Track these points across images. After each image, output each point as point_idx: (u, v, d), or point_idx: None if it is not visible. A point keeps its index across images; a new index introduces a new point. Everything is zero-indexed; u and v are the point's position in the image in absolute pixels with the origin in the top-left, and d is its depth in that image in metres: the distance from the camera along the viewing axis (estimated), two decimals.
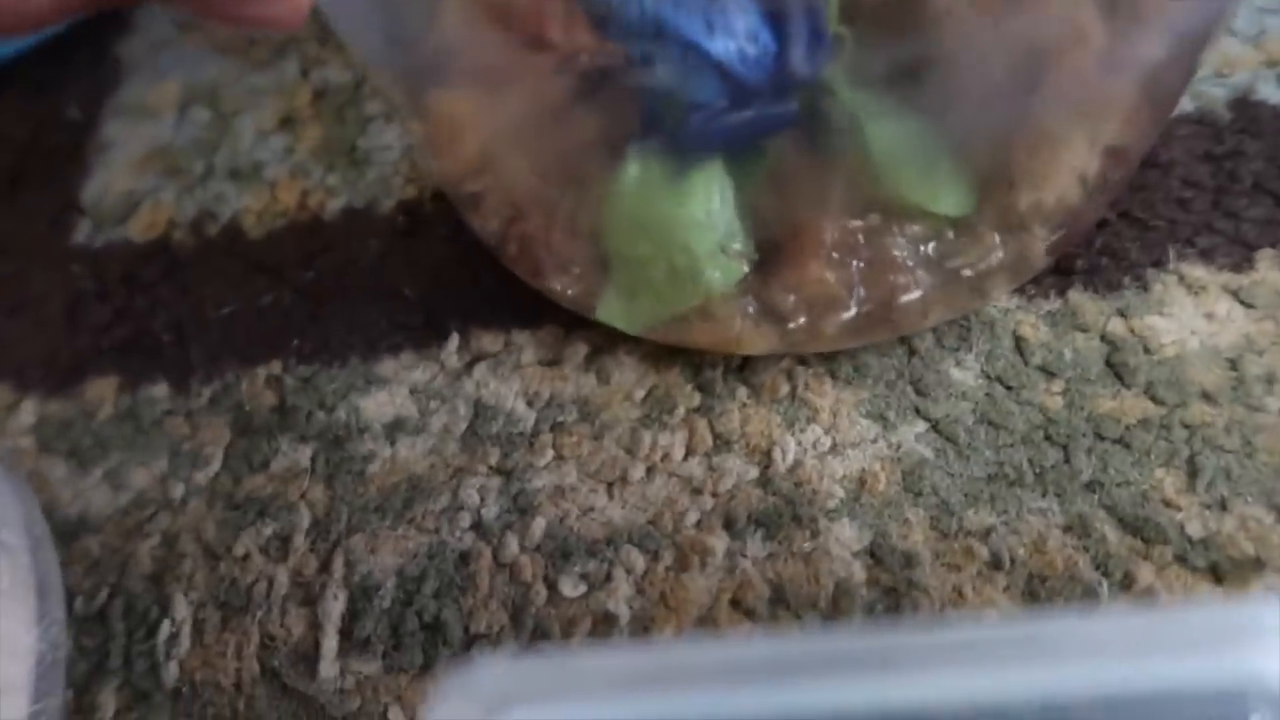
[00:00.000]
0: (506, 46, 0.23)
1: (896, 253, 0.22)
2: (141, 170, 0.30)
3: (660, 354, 0.24)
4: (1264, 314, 0.23)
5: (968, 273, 0.23)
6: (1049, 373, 0.23)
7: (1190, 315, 0.23)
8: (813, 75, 0.22)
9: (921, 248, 0.22)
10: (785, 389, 0.23)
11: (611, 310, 0.24)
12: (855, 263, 0.22)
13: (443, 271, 0.27)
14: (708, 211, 0.22)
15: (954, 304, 0.23)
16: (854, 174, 0.22)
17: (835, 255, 0.22)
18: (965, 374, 0.23)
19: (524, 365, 0.25)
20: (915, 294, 0.23)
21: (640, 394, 0.24)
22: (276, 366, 0.26)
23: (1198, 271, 0.23)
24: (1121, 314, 0.23)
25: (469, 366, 0.25)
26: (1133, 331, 0.23)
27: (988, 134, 0.22)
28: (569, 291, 0.24)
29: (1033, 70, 0.22)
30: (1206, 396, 0.22)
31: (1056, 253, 0.24)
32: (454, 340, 0.25)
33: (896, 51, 0.22)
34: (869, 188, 0.22)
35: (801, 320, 0.23)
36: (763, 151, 0.22)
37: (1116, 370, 0.22)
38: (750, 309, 0.23)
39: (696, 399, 0.24)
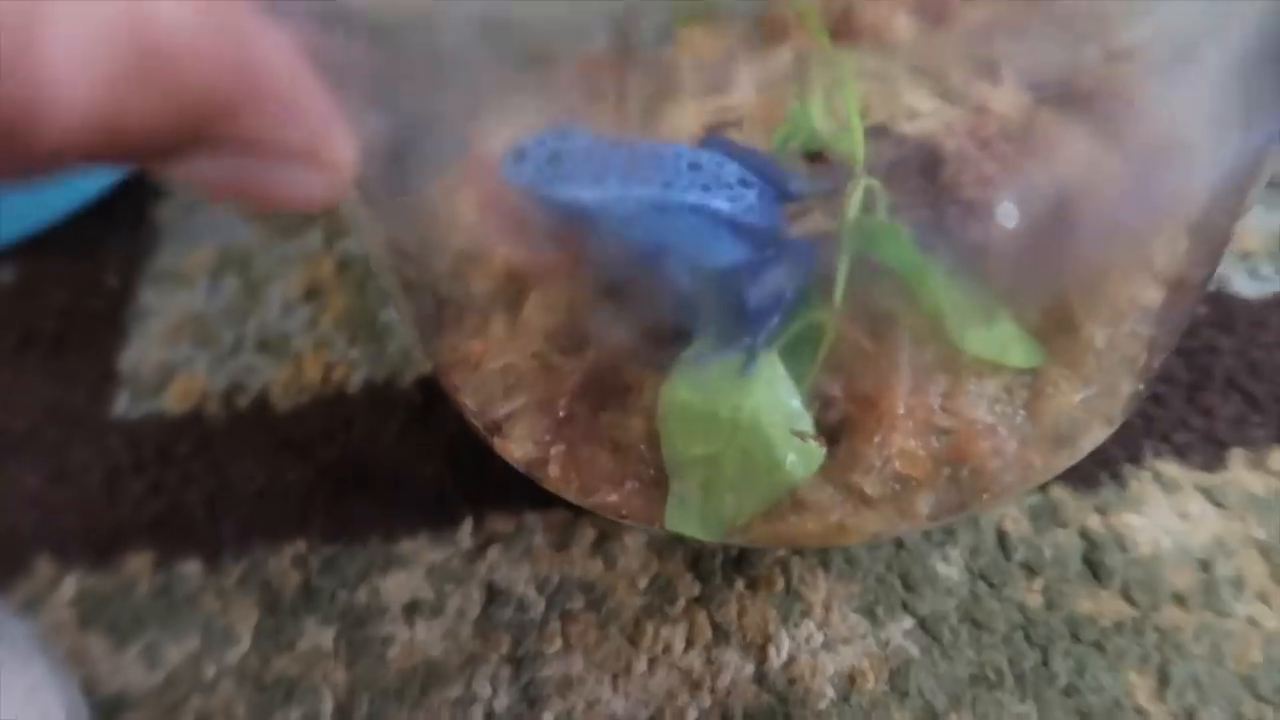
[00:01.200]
0: (518, 260, 0.25)
1: (976, 414, 0.23)
2: (176, 339, 0.32)
3: (662, 541, 0.26)
4: (1234, 514, 0.24)
5: (1053, 425, 0.23)
6: (1030, 570, 0.24)
7: (1164, 514, 0.25)
8: (804, 198, 0.24)
9: (1000, 405, 0.23)
10: (781, 582, 0.25)
11: (683, 519, 0.23)
12: (935, 433, 0.23)
13: (458, 450, 0.29)
14: (773, 396, 0.22)
15: (1046, 462, 0.23)
16: (915, 336, 0.23)
17: (913, 425, 0.23)
18: (951, 569, 0.25)
19: (534, 548, 0.27)
20: (1004, 456, 0.23)
21: (644, 581, 0.26)
22: (301, 545, 0.28)
23: (1172, 469, 0.25)
24: (1099, 511, 0.25)
25: (482, 548, 0.27)
26: (1110, 529, 0.24)
27: (1037, 279, 0.23)
28: (626, 507, 0.24)
29: (1064, 213, 0.23)
30: (1178, 599, 0.23)
31: (1142, 391, 0.24)
32: (468, 522, 0.27)
33: (923, 203, 0.24)
34: (932, 350, 0.23)
35: (893, 499, 0.23)
36: (820, 328, 0.23)
37: (1094, 569, 0.24)
38: (839, 494, 0.23)
39: (696, 589, 0.25)
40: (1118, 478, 0.25)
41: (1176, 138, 0.24)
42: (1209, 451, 0.25)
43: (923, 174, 0.25)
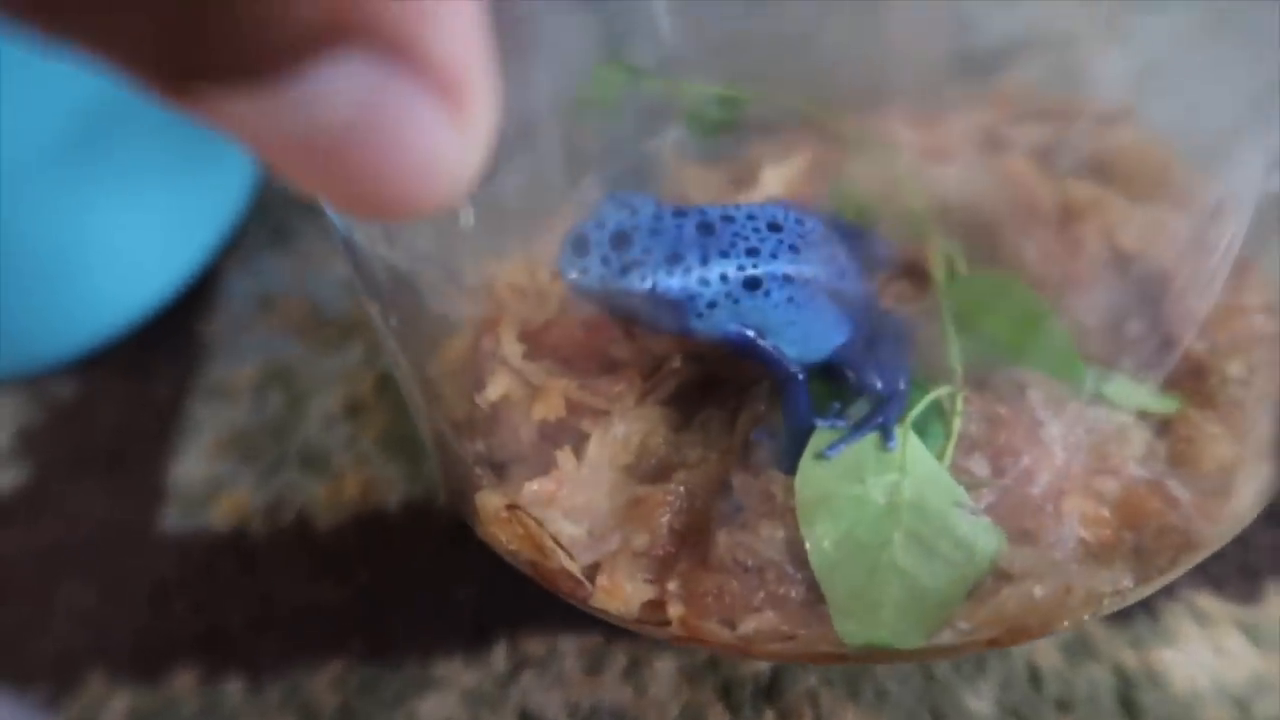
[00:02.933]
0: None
1: (1137, 471, 0.22)
2: (222, 454, 0.34)
3: (694, 669, 0.27)
4: (1272, 650, 0.24)
5: (1210, 470, 0.22)
6: (1063, 706, 0.24)
7: (1200, 649, 0.25)
8: (888, 265, 0.24)
9: (1151, 462, 0.22)
10: (810, 714, 0.25)
11: (863, 629, 0.21)
12: (1099, 498, 0.22)
13: (492, 572, 0.30)
14: (929, 470, 0.21)
15: (1218, 509, 0.22)
16: (1047, 396, 0.22)
17: (1078, 491, 0.22)
18: (981, 703, 0.25)
19: (567, 673, 0.27)
20: (1180, 509, 0.22)
21: (674, 710, 0.26)
22: (339, 666, 0.29)
23: (1207, 602, 0.25)
24: (1133, 645, 0.25)
25: (516, 672, 0.28)
26: (1144, 665, 0.25)
27: (1134, 338, 0.23)
28: (783, 635, 0.21)
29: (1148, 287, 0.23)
30: None
31: None
32: (503, 645, 0.28)
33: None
34: (1067, 411, 0.22)
35: (1090, 569, 0.21)
36: (943, 410, 0.22)
37: (1129, 707, 0.24)
38: (1041, 563, 0.21)
39: (726, 719, 0.26)
40: (1151, 611, 0.25)
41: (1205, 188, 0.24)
42: (1245, 583, 0.25)
43: (978, 244, 0.25)
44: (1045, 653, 0.25)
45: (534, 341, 0.25)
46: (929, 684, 0.25)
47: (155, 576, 0.32)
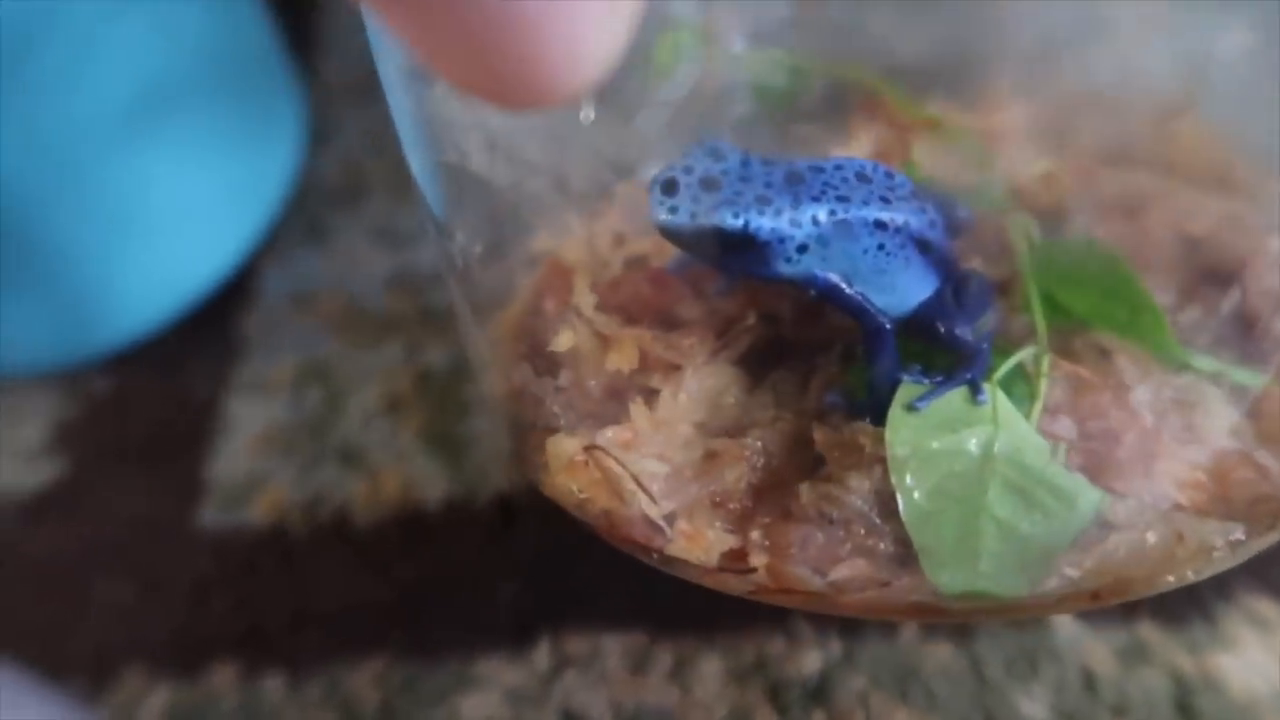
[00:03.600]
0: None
1: (1226, 441, 0.22)
2: (261, 450, 0.34)
3: (741, 670, 0.27)
4: None
5: None
6: (1118, 712, 0.24)
7: (1259, 655, 0.24)
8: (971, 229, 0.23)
9: (1242, 433, 0.22)
10: (861, 715, 0.25)
11: (964, 578, 0.20)
12: (1193, 462, 0.21)
13: (536, 569, 0.30)
14: (1021, 426, 0.21)
15: None
16: (1134, 361, 0.22)
17: (1170, 457, 0.21)
18: (1035, 706, 0.25)
19: (610, 673, 0.27)
20: (1272, 479, 0.21)
21: (721, 710, 0.26)
22: (380, 664, 0.29)
23: (1266, 607, 0.25)
24: (1190, 651, 0.25)
25: (559, 671, 0.28)
26: (1202, 670, 0.24)
27: (1211, 318, 0.23)
28: (871, 587, 0.21)
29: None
30: None
31: None
32: (545, 643, 0.28)
33: None
34: (1154, 377, 0.22)
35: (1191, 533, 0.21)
36: (1027, 373, 0.22)
37: (1186, 713, 0.24)
38: (1151, 513, 0.21)
39: None
40: (1208, 616, 0.25)
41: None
42: None
43: (1049, 229, 0.25)
44: (1099, 657, 0.25)
45: (602, 298, 0.25)
46: (981, 686, 0.25)
47: (193, 572, 0.32)
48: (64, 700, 0.30)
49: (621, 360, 0.23)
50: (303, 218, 0.40)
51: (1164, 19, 0.25)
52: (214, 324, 0.38)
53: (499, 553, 0.30)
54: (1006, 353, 0.22)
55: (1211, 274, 0.24)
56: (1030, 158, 0.27)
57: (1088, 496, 0.20)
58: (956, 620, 0.23)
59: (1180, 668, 0.25)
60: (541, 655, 0.28)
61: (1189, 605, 0.25)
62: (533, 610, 0.29)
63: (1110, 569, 0.20)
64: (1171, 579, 0.21)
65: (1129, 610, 0.26)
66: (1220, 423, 0.22)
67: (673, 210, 0.20)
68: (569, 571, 0.29)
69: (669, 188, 0.20)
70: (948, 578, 0.20)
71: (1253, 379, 0.22)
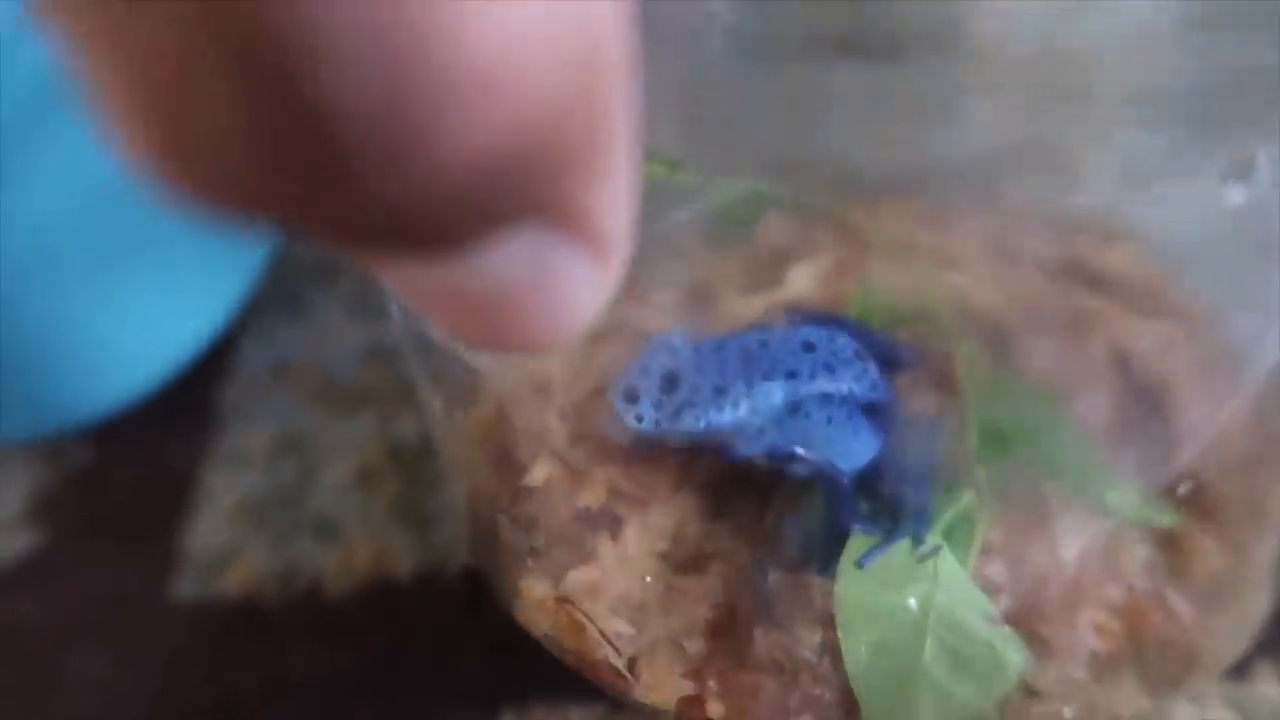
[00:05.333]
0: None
1: (1141, 581, 0.23)
2: (236, 521, 0.35)
3: None
4: None
5: (1212, 587, 0.23)
6: None
7: None
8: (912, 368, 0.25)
9: (1157, 573, 0.23)
10: None
11: None
12: (1110, 608, 0.22)
13: (502, 641, 0.30)
14: (959, 581, 0.22)
15: (1224, 626, 0.23)
16: (1061, 504, 0.23)
17: (1088, 600, 0.22)
18: None
19: None
20: (1182, 622, 0.22)
21: None
22: None
23: None
24: None
25: None
26: None
27: (1139, 448, 0.24)
28: None
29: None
30: None
31: None
32: (509, 716, 0.29)
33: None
34: (1076, 517, 0.23)
35: (1105, 680, 0.22)
36: (968, 517, 0.23)
37: None
38: (1061, 680, 0.22)
39: None
40: None
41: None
42: (1236, 662, 0.26)
43: (994, 350, 0.26)
44: None
45: (571, 424, 0.26)
46: None
47: (169, 644, 0.33)
48: None
49: (591, 498, 0.25)
50: (281, 290, 0.42)
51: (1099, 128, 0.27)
52: (192, 395, 0.39)
53: (468, 626, 0.31)
54: (949, 495, 0.23)
55: (1143, 395, 0.25)
56: (980, 274, 0.28)
57: (1015, 658, 0.21)
58: None
59: None
60: None
61: None
62: (498, 682, 0.30)
63: None
64: None
65: None
66: (1138, 561, 0.23)
67: (638, 419, 0.21)
68: (536, 649, 0.30)
69: (630, 396, 0.22)
70: None
71: (1167, 518, 0.23)
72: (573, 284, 0.09)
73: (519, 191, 0.08)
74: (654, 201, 0.28)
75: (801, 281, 0.28)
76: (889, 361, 0.24)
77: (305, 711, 0.30)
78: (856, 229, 0.28)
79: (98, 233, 0.36)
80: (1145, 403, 0.25)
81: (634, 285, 0.28)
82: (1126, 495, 0.23)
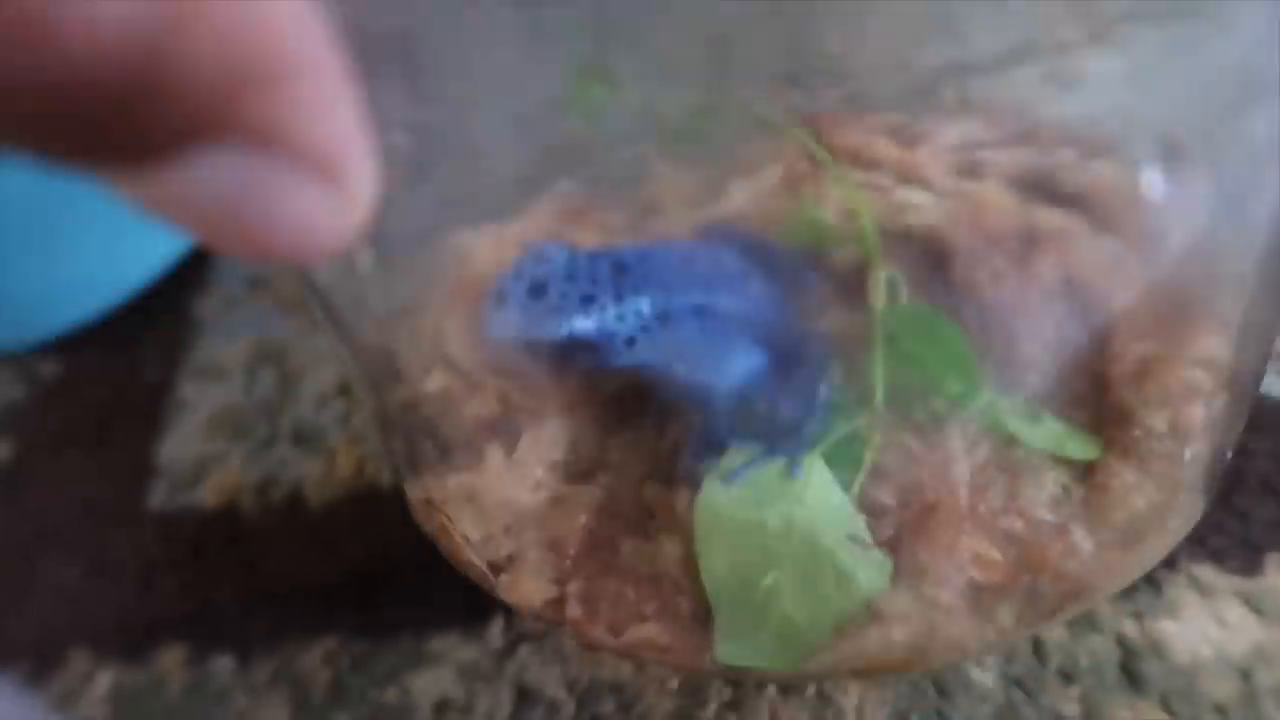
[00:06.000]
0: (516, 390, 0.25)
1: (1042, 515, 0.22)
2: (213, 432, 0.34)
3: None
4: (1273, 621, 0.25)
5: (1121, 522, 0.22)
6: (1066, 677, 0.25)
7: (1203, 621, 0.25)
8: (813, 288, 0.24)
9: (1064, 506, 0.22)
10: (812, 687, 0.25)
11: (741, 651, 0.22)
12: (1004, 538, 0.22)
13: None
14: (827, 503, 0.21)
15: (1122, 560, 0.22)
16: (964, 434, 0.23)
17: (979, 530, 0.22)
18: (986, 675, 0.25)
19: (565, 649, 0.27)
20: (1080, 557, 0.22)
21: (674, 684, 0.26)
22: (332, 641, 0.28)
23: (1209, 574, 0.26)
24: (1136, 617, 0.25)
25: (513, 647, 0.28)
26: (1147, 636, 0.25)
27: (1072, 375, 0.23)
28: (662, 644, 0.22)
29: (1075, 301, 0.24)
30: (1219, 710, 0.24)
31: (1210, 486, 0.23)
32: (499, 620, 0.28)
33: (939, 298, 0.24)
34: (984, 448, 0.22)
35: (975, 609, 0.22)
36: (860, 433, 0.22)
37: (1132, 678, 0.24)
38: (917, 603, 0.21)
39: (728, 693, 0.26)
40: (1153, 583, 0.26)
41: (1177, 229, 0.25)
42: (1246, 556, 0.26)
43: (934, 268, 0.25)
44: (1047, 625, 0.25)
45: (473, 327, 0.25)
46: None
47: (142, 554, 0.32)
48: (6, 684, 0.30)
49: (481, 408, 0.24)
50: None
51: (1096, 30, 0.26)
52: (167, 306, 0.37)
53: None
54: (847, 416, 0.22)
55: (1087, 327, 0.24)
56: (938, 190, 0.27)
57: (868, 581, 0.21)
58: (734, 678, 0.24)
59: (1126, 633, 0.25)
60: (495, 632, 0.28)
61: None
62: (480, 593, 0.29)
63: (862, 655, 0.21)
64: (932, 666, 0.22)
65: None
66: (1046, 494, 0.22)
67: (504, 325, 0.21)
68: None
69: (499, 301, 0.21)
70: (731, 649, 0.21)
71: (1087, 451, 0.22)
72: (296, 200, 0.10)
73: (172, 105, 0.09)
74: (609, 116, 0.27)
75: (741, 197, 0.27)
76: (791, 282, 0.24)
77: (285, 621, 0.29)
78: (808, 144, 0.27)
79: None
80: (1089, 332, 0.24)
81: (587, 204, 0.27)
82: (1045, 426, 0.23)
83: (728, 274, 0.22)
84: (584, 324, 0.21)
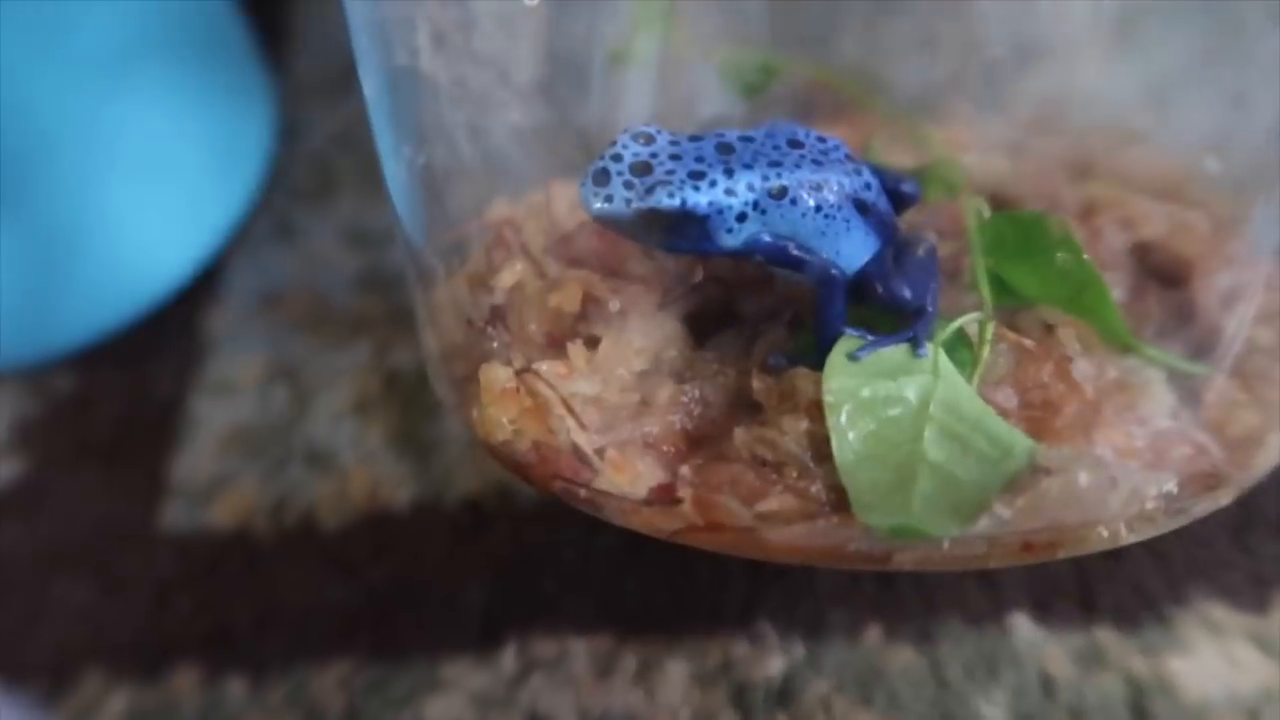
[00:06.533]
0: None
1: (1165, 423, 0.22)
2: (226, 450, 0.34)
3: (706, 673, 0.27)
4: None
5: (1239, 434, 0.23)
6: (1075, 714, 0.25)
7: (1212, 659, 0.25)
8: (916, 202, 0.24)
9: (1181, 417, 0.22)
10: (823, 718, 0.26)
11: (890, 517, 0.21)
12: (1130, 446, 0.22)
13: (503, 571, 0.30)
14: (960, 381, 0.21)
15: (1246, 460, 0.23)
16: (1081, 340, 0.23)
17: (1109, 431, 0.22)
18: (994, 710, 0.25)
19: (576, 676, 0.28)
20: (1211, 457, 0.22)
21: (685, 714, 0.26)
22: (346, 666, 0.29)
23: (1218, 612, 0.26)
24: (1145, 654, 0.25)
25: (525, 674, 0.28)
26: (1156, 674, 0.25)
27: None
28: (797, 524, 0.21)
29: None
30: None
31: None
32: (512, 646, 0.28)
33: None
34: (1096, 356, 0.23)
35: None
36: (968, 339, 0.22)
37: (1140, 715, 0.25)
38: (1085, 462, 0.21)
39: None
40: (1163, 619, 0.26)
41: None
42: (1256, 593, 0.26)
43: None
44: (1057, 661, 0.26)
45: (553, 248, 0.25)
46: (942, 690, 0.26)
47: (156, 574, 0.32)
48: (21, 703, 0.30)
49: (564, 300, 0.23)
50: (272, 215, 0.40)
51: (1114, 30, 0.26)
52: (180, 322, 0.38)
53: (467, 555, 0.30)
54: (952, 322, 0.22)
55: (1158, 274, 0.25)
56: (991, 160, 0.28)
57: (1023, 443, 0.21)
58: (880, 567, 0.22)
59: (1135, 672, 0.25)
60: (508, 658, 0.28)
61: (1144, 609, 0.26)
62: (500, 613, 0.29)
63: (1041, 511, 0.21)
64: (1104, 532, 0.21)
65: (1087, 613, 0.26)
66: (1160, 405, 0.23)
67: (608, 199, 0.20)
68: (537, 574, 0.30)
69: (600, 178, 0.20)
70: (878, 517, 0.20)
71: (1197, 368, 0.23)
72: None
73: None
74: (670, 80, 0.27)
75: None
76: (892, 194, 0.23)
77: (299, 645, 0.30)
78: (865, 110, 0.27)
79: (79, 153, 0.34)
80: (1161, 284, 0.24)
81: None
82: (1151, 349, 0.23)
83: (837, 158, 0.22)
84: (695, 197, 0.20)
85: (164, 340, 0.37)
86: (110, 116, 0.35)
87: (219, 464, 0.34)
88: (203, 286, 0.38)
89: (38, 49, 0.32)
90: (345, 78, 0.25)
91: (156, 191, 0.37)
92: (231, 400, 0.35)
